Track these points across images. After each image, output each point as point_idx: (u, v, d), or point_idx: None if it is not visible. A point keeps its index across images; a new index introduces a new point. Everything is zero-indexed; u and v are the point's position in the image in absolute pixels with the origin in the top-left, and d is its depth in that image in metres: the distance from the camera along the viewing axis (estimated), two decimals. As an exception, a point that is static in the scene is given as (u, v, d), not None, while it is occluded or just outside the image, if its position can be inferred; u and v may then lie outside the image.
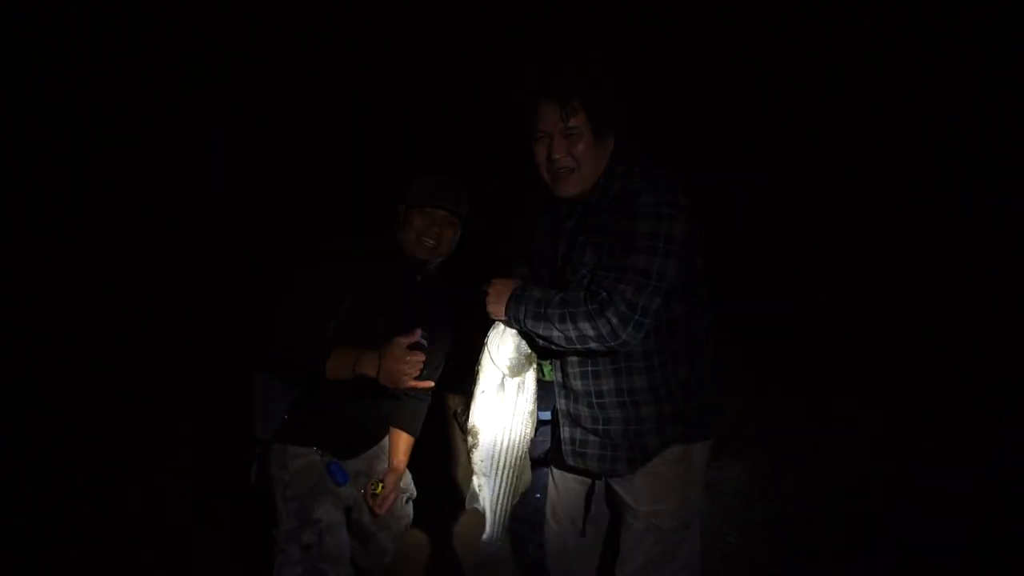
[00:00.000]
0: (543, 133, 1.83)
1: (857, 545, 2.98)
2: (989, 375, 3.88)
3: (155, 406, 3.82)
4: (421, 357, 1.95)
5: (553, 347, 1.80)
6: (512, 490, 1.89)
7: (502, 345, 1.85)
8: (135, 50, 4.52)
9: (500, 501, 1.89)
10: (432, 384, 2.16)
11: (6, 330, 3.91)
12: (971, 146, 4.68)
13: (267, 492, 2.18)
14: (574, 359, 1.89)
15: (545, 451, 2.26)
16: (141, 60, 4.56)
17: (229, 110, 4.86)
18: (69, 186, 4.42)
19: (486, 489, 1.88)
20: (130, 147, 4.62)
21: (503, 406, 1.86)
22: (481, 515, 1.93)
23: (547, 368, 1.96)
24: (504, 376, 1.85)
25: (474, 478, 1.89)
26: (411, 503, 2.49)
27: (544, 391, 1.95)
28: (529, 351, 1.87)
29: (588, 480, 2.06)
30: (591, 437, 1.92)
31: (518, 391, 1.86)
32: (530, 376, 1.89)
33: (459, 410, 3.09)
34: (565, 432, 1.98)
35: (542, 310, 1.76)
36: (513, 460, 1.87)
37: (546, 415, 2.08)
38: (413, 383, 1.95)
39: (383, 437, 2.43)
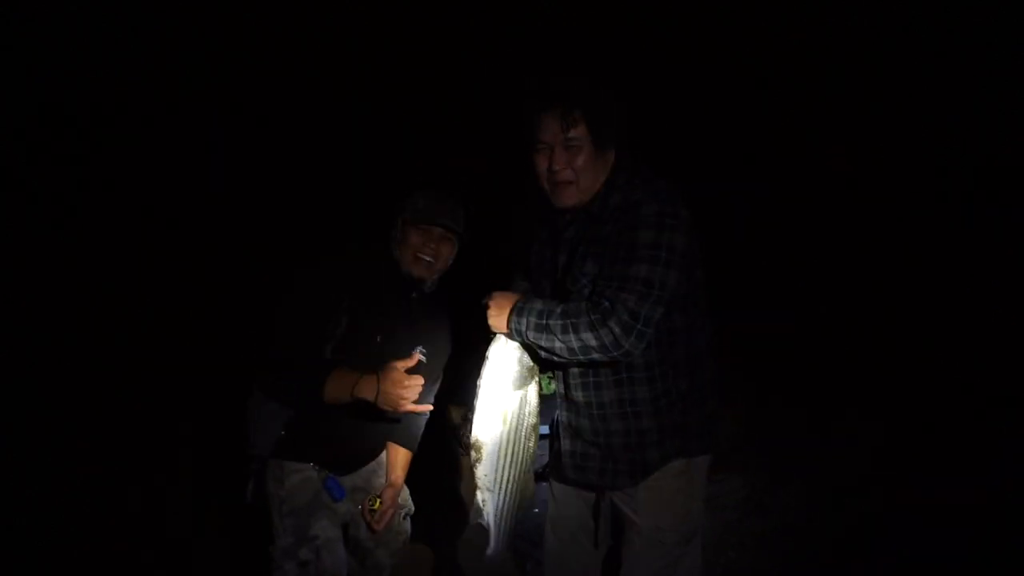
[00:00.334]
0: (544, 144, 1.82)
1: (858, 556, 2.97)
2: (989, 386, 3.87)
3: (155, 406, 3.82)
4: (420, 381, 1.93)
5: (555, 359, 1.79)
6: (515, 504, 1.88)
7: (504, 359, 1.84)
8: (135, 50, 4.52)
9: (504, 515, 1.88)
10: (431, 407, 2.14)
11: (6, 330, 3.91)
12: (971, 157, 4.69)
13: (264, 508, 2.16)
14: (575, 371, 1.88)
15: (544, 465, 2.25)
16: (141, 60, 4.56)
17: (229, 110, 4.86)
18: (69, 186, 4.42)
19: (490, 504, 1.87)
20: (130, 147, 4.62)
21: (506, 420, 1.84)
22: (484, 530, 1.92)
23: (546, 382, 1.95)
24: (507, 390, 1.84)
25: (478, 493, 1.88)
26: (409, 519, 2.46)
27: (543, 405, 1.94)
28: (531, 364, 1.86)
29: (588, 494, 2.05)
30: (592, 450, 1.92)
31: (521, 404, 1.85)
32: (532, 389, 1.87)
33: (458, 425, 3.08)
34: (566, 445, 1.98)
35: (544, 321, 1.74)
36: (516, 474, 1.86)
37: (544, 429, 2.07)
38: (412, 407, 1.94)
39: (381, 452, 2.40)
